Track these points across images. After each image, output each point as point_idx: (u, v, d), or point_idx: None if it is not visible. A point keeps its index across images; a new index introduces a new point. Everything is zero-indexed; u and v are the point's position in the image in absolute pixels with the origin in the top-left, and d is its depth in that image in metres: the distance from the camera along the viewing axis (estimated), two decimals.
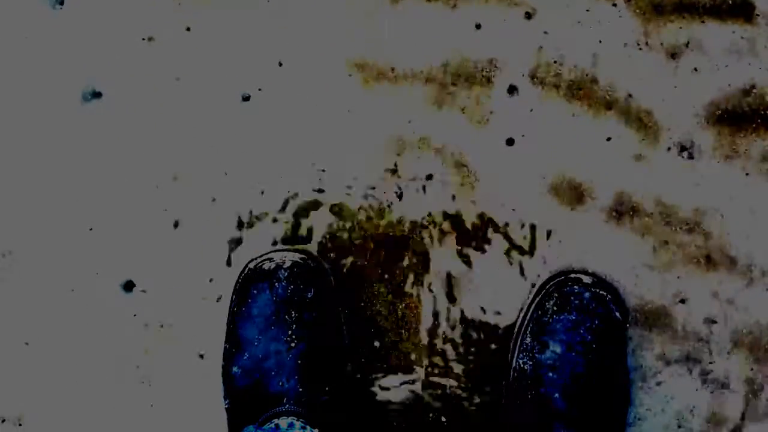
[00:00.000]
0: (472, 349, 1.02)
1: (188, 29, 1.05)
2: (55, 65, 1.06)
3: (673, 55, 1.03)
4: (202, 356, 1.04)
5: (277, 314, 0.96)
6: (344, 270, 1.03)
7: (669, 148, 1.02)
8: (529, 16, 1.04)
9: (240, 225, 1.04)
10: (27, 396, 1.04)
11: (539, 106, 1.03)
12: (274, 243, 1.04)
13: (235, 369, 0.96)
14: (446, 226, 1.03)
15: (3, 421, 1.04)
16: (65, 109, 1.06)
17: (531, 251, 1.03)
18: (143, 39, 1.05)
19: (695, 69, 1.02)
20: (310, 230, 1.04)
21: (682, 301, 1.02)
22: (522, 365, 0.97)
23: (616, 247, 1.02)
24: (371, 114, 1.04)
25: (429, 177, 1.04)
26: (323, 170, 1.04)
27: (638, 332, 1.01)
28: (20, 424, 1.04)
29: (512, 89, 1.03)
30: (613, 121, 1.03)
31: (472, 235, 1.03)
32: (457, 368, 1.02)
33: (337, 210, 1.04)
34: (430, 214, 1.03)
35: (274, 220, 1.04)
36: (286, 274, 0.97)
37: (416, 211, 1.03)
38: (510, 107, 1.03)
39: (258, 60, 1.05)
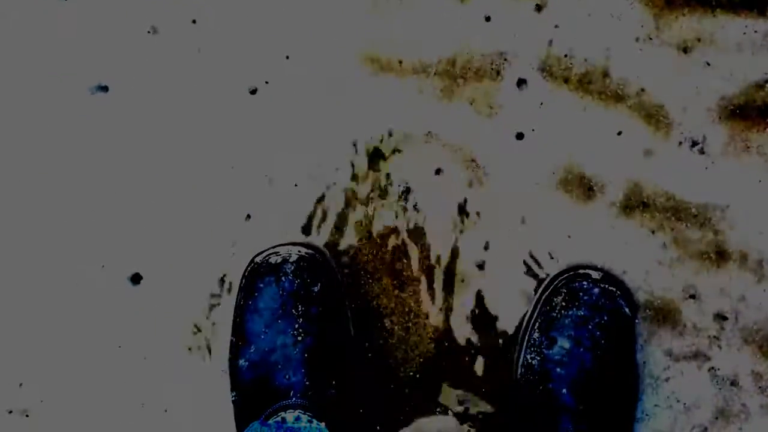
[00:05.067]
0: (480, 344, 1.02)
1: (194, 22, 1.05)
2: (61, 58, 1.06)
3: (685, 49, 1.02)
4: (208, 349, 1.04)
5: (283, 308, 0.96)
6: (351, 264, 1.03)
7: (680, 143, 1.02)
8: (539, 8, 1.03)
9: (247, 218, 1.04)
10: (33, 388, 1.04)
11: (549, 100, 1.02)
12: (281, 236, 1.03)
13: (241, 362, 0.96)
14: (455, 220, 1.03)
15: (10, 412, 1.04)
16: (72, 103, 1.05)
17: (539, 247, 1.02)
18: (149, 32, 1.05)
19: (707, 63, 1.01)
20: (316, 224, 1.03)
21: (692, 296, 1.01)
22: (530, 360, 0.97)
23: (625, 243, 1.01)
24: (378, 108, 1.03)
25: (437, 172, 1.03)
26: (330, 164, 1.04)
27: (647, 328, 1.01)
28: (27, 416, 1.04)
29: (522, 83, 1.03)
30: (624, 115, 1.02)
31: (480, 231, 1.03)
32: (464, 363, 1.02)
33: (344, 204, 1.04)
34: (438, 209, 1.03)
35: (281, 214, 1.04)
36: (292, 267, 0.97)
37: (424, 206, 1.03)
38: (519, 101, 1.03)
39: (265, 53, 1.04)
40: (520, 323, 1.02)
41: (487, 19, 1.03)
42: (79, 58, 1.06)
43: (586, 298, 0.96)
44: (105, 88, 1.06)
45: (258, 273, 0.98)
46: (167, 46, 1.05)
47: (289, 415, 0.91)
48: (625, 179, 1.02)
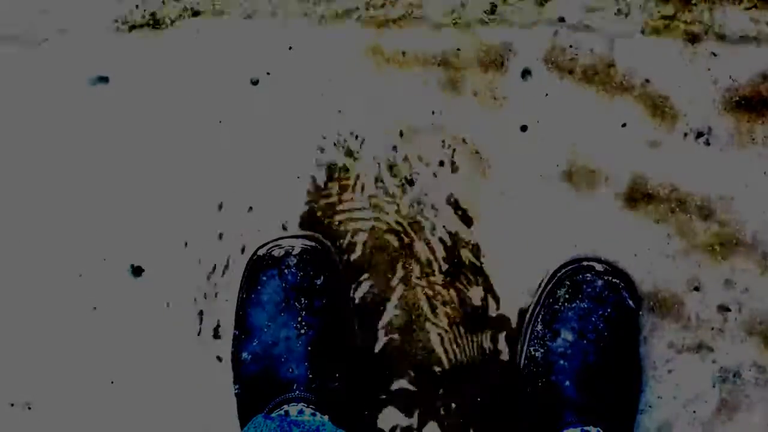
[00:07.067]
0: (484, 336, 1.02)
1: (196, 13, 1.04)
2: (60, 49, 1.05)
3: (692, 39, 1.01)
4: (211, 341, 1.03)
5: (286, 301, 0.96)
6: (354, 257, 1.03)
7: (685, 134, 1.01)
8: None
9: (249, 210, 1.03)
10: (36, 381, 1.04)
11: (554, 91, 1.02)
12: (284, 228, 1.03)
13: (244, 355, 0.96)
14: (459, 212, 1.02)
15: (12, 405, 1.04)
16: (72, 94, 1.04)
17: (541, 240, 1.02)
18: (149, 21, 1.04)
19: (713, 54, 1.01)
20: (319, 217, 1.03)
21: (696, 288, 1.01)
22: (533, 353, 0.97)
23: (629, 235, 1.01)
24: (382, 99, 1.03)
25: (441, 164, 1.03)
26: (333, 157, 1.03)
27: (651, 320, 1.01)
28: (29, 408, 1.04)
29: (526, 74, 1.02)
30: (629, 106, 1.01)
31: (483, 223, 1.02)
32: (469, 355, 1.02)
33: (347, 196, 1.03)
34: (442, 201, 1.02)
35: (284, 206, 1.03)
36: (295, 260, 0.96)
37: (428, 198, 1.03)
38: (524, 92, 1.02)
39: (267, 43, 1.03)
40: (524, 315, 1.02)
41: (492, 9, 1.02)
42: (78, 48, 1.05)
43: (589, 290, 0.96)
44: (105, 79, 1.05)
45: (261, 266, 0.98)
46: (168, 36, 1.04)
47: (293, 408, 0.91)
48: (630, 171, 1.01)
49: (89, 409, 1.04)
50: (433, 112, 1.02)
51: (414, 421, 1.02)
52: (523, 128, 1.02)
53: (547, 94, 1.02)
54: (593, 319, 0.95)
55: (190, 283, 1.04)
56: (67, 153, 1.05)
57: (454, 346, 1.02)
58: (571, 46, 1.02)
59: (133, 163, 1.04)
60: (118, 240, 1.04)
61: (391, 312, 1.03)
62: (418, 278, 1.03)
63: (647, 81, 1.01)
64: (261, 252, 0.99)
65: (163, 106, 1.04)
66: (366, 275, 1.03)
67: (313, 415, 0.91)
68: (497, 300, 1.02)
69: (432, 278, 1.03)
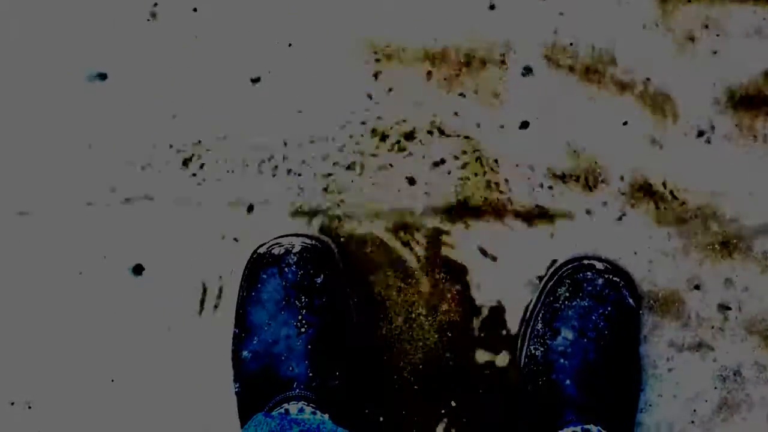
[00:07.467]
0: (483, 335, 1.02)
1: (195, 10, 1.04)
2: (59, 45, 1.04)
3: (692, 37, 1.01)
4: (211, 340, 1.03)
5: (286, 299, 0.96)
6: (354, 255, 1.03)
7: (686, 133, 1.01)
8: None
9: (249, 209, 1.03)
10: (36, 380, 1.04)
11: (554, 89, 1.01)
12: (284, 226, 1.03)
13: (245, 353, 0.96)
14: (458, 210, 1.02)
15: (12, 404, 1.04)
16: (70, 91, 1.04)
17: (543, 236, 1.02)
18: (149, 19, 1.04)
19: (714, 51, 1.01)
20: (318, 216, 1.03)
21: (696, 287, 1.01)
22: (533, 351, 0.97)
23: (630, 233, 1.01)
24: (382, 97, 1.03)
25: (441, 161, 1.02)
26: (331, 154, 1.03)
27: (651, 319, 1.01)
28: (29, 407, 1.04)
29: (527, 71, 1.02)
30: (629, 104, 1.01)
31: (483, 221, 1.02)
32: (467, 353, 1.02)
33: (347, 195, 1.03)
34: (441, 199, 1.02)
35: (284, 205, 1.03)
36: (295, 259, 0.96)
37: (427, 197, 1.02)
38: (524, 89, 1.02)
39: (267, 41, 1.03)
40: (524, 314, 1.02)
41: (492, 7, 1.02)
42: (78, 44, 1.04)
43: (590, 288, 0.96)
44: (103, 76, 1.04)
45: (261, 264, 0.97)
46: (167, 34, 1.04)
47: (293, 407, 0.91)
48: (631, 169, 1.01)
49: (89, 408, 1.04)
50: (432, 109, 1.02)
51: (414, 420, 1.03)
52: (524, 125, 1.02)
53: (547, 92, 1.01)
54: (593, 317, 0.95)
55: (191, 282, 1.04)
56: (65, 150, 1.05)
57: (454, 345, 1.02)
58: (571, 43, 1.01)
59: (133, 161, 1.04)
60: (119, 238, 1.04)
61: (390, 310, 1.03)
62: (417, 274, 1.03)
63: (648, 78, 1.01)
64: (261, 250, 0.99)
65: (162, 105, 1.04)
66: (365, 270, 1.03)
67: (314, 413, 0.90)
68: (497, 299, 1.02)
69: (432, 277, 1.03)
